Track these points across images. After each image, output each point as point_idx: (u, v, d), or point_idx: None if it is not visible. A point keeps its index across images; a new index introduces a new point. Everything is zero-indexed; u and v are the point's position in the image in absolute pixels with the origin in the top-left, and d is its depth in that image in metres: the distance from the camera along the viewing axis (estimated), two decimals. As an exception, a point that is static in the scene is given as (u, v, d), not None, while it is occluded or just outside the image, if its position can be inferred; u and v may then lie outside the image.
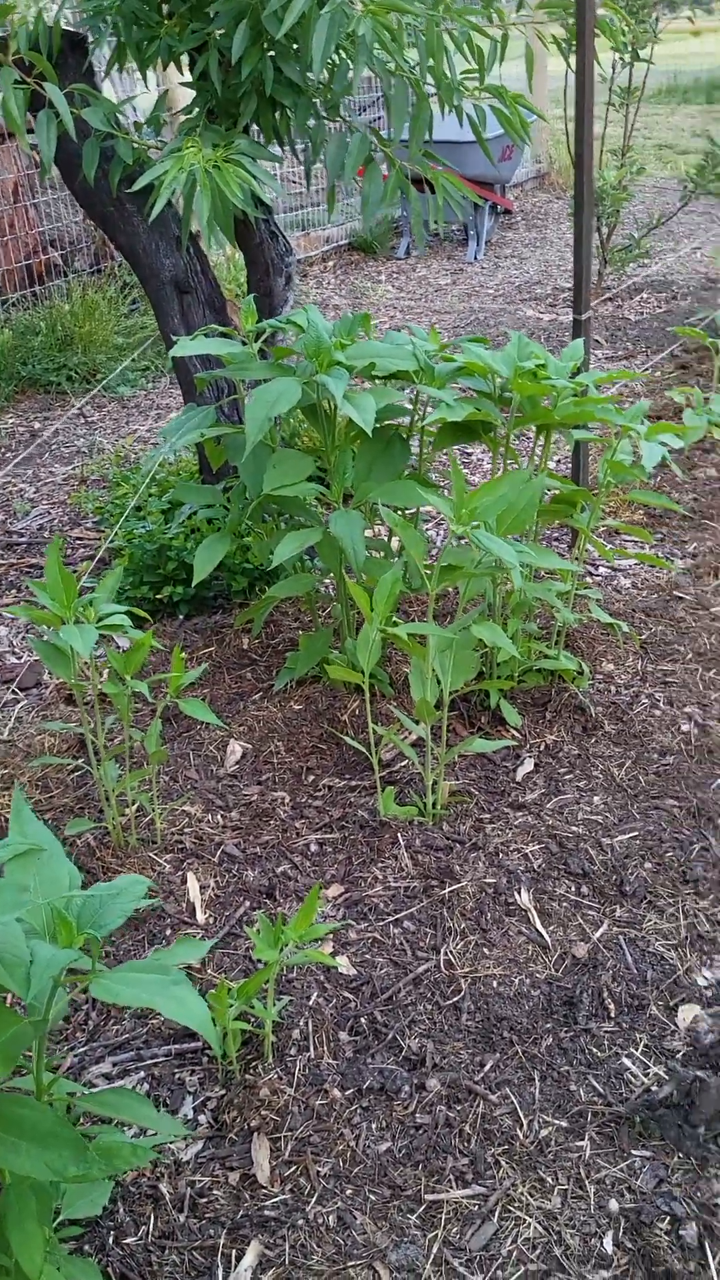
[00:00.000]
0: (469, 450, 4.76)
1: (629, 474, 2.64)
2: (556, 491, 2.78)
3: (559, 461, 4.52)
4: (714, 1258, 1.61)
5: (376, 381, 2.71)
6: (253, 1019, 1.98)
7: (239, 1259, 1.63)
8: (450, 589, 3.40)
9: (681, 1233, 1.65)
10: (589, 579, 3.55)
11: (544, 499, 2.85)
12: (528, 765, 2.70)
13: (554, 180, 10.52)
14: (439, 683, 2.42)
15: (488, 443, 2.73)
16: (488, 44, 3.05)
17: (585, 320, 3.38)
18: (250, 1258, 1.63)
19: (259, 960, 2.06)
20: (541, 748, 2.76)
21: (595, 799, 2.58)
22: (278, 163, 3.15)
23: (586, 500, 2.73)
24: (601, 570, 3.63)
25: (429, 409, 2.72)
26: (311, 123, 3.12)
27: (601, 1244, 1.65)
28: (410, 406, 2.79)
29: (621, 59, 5.61)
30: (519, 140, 2.92)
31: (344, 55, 2.98)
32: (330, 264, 8.10)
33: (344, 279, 7.70)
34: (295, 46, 3.00)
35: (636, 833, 2.46)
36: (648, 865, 2.38)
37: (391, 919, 2.24)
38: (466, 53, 2.97)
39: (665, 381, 5.18)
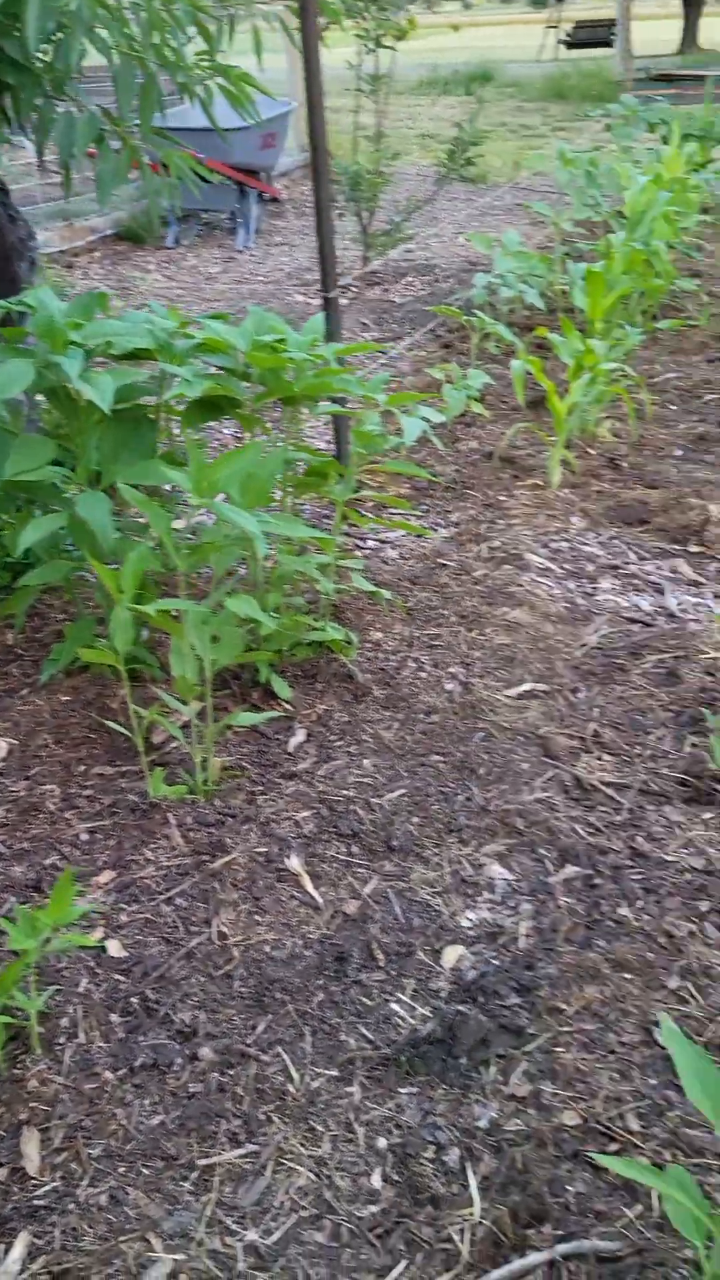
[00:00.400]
0: (241, 435, 4.77)
1: (377, 444, 2.70)
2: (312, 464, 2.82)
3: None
4: (474, 1176, 1.69)
5: (121, 363, 2.68)
6: (18, 1012, 1.93)
7: (7, 1251, 1.60)
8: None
9: (444, 1159, 1.72)
10: (358, 551, 3.62)
11: (298, 472, 2.89)
12: (299, 736, 2.73)
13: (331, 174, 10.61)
14: (201, 660, 2.42)
15: (238, 419, 2.74)
16: (215, 25, 3.06)
17: (334, 298, 3.43)
18: (19, 1249, 1.60)
19: (20, 952, 2.01)
20: (313, 717, 2.80)
21: (365, 762, 2.64)
22: (5, 144, 3.06)
23: (339, 472, 2.79)
24: (370, 543, 3.71)
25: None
26: (40, 102, 3.04)
27: (370, 1181, 1.70)
28: (156, 385, 2.77)
29: (366, 46, 5.72)
30: (246, 116, 2.94)
31: (67, 32, 2.92)
32: (97, 254, 7.93)
33: (112, 270, 7.56)
34: (17, 25, 2.92)
35: (404, 790, 2.54)
36: (415, 820, 2.45)
37: (163, 898, 2.23)
38: (199, 33, 2.97)
39: (430, 360, 5.33)
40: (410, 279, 7.10)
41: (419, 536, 3.70)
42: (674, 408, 4.82)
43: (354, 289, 6.83)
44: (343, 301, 6.56)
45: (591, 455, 4.31)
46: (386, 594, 3.08)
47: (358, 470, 2.90)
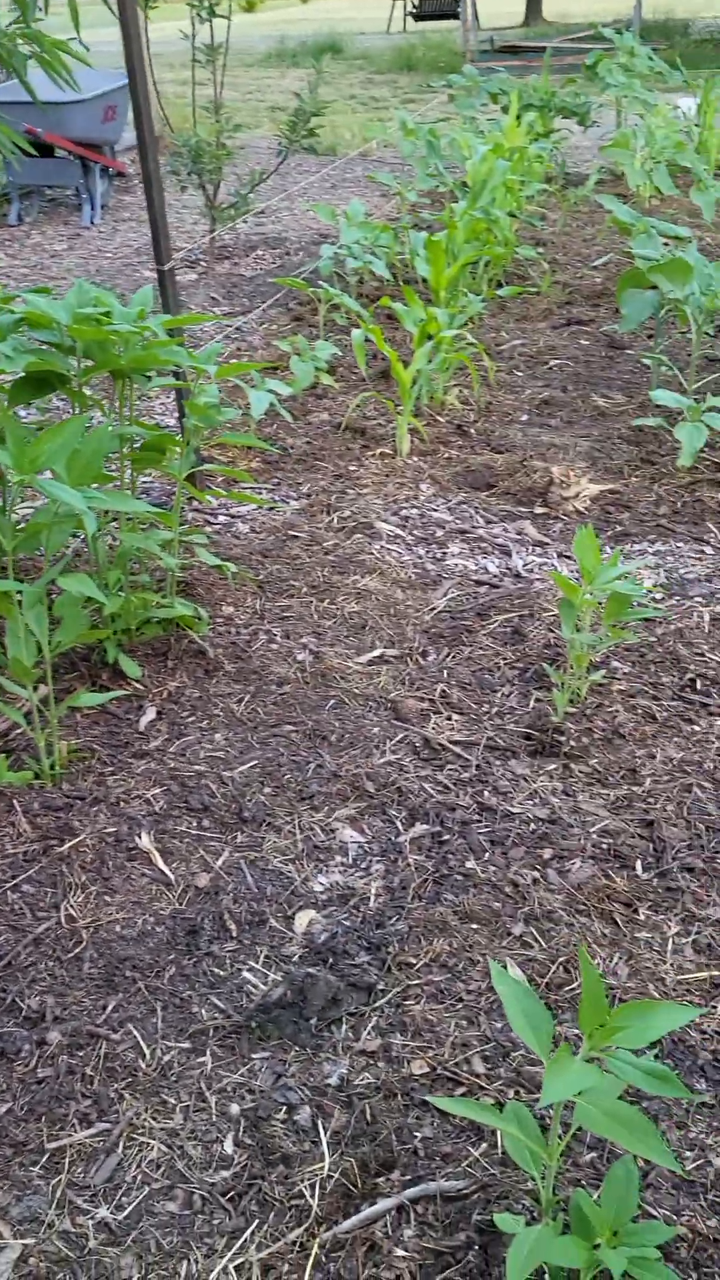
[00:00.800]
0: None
1: (211, 416, 2.68)
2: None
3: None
4: (325, 1132, 1.71)
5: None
6: None
7: None
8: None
9: (296, 1118, 1.74)
10: (208, 527, 3.60)
11: (135, 446, 2.85)
12: (150, 714, 2.71)
13: (169, 144, 10.43)
14: (39, 643, 2.37)
15: (68, 394, 2.68)
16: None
17: (168, 271, 3.39)
18: None
19: None
20: (164, 695, 2.78)
21: (217, 736, 2.63)
22: None
23: (177, 446, 2.76)
24: (221, 518, 3.69)
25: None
26: None
27: (223, 1147, 1.70)
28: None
29: (199, 16, 5.62)
30: (65, 86, 2.86)
31: None
32: (-65, 234, 7.64)
33: (-49, 249, 7.29)
34: None
35: (256, 761, 2.54)
36: (267, 790, 2.46)
37: (9, 885, 2.19)
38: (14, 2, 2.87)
39: (280, 333, 5.31)
40: (260, 252, 7.04)
41: (270, 510, 3.69)
42: (520, 374, 4.91)
43: (203, 263, 6.74)
44: (191, 276, 6.48)
45: (440, 423, 4.36)
46: (233, 567, 3.07)
47: (200, 444, 2.88)
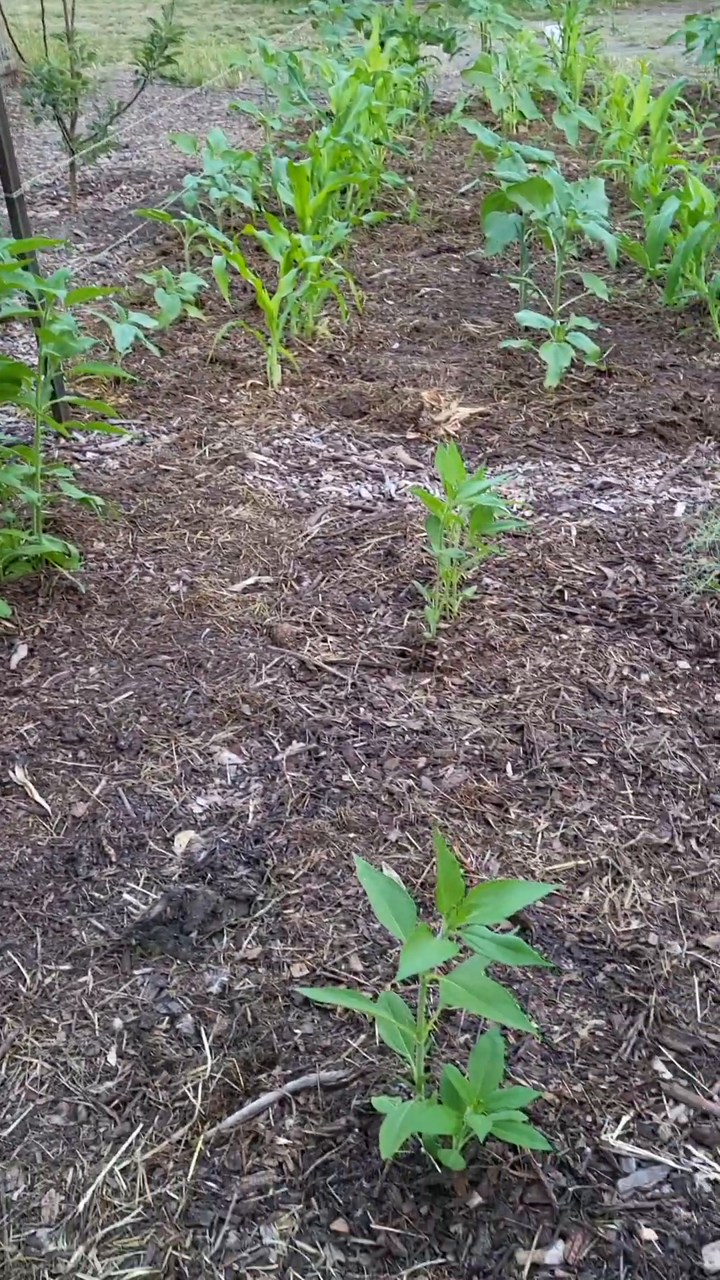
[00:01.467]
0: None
1: (65, 344, 2.62)
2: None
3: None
4: (207, 1037, 1.75)
5: None
6: None
7: None
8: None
9: (179, 1027, 1.77)
10: (76, 464, 3.53)
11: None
12: (21, 652, 2.67)
13: (23, 75, 10.00)
14: None
15: None
16: None
17: (18, 198, 3.28)
18: None
19: None
20: (35, 632, 2.74)
21: (91, 670, 2.61)
22: None
23: (29, 376, 2.69)
24: (90, 454, 3.62)
25: None
26: None
27: (106, 1060, 1.73)
28: None
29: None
30: None
31: None
32: None
33: None
34: None
35: (132, 692, 2.53)
36: (143, 719, 2.46)
37: None
38: None
39: (147, 267, 5.19)
40: (124, 187, 6.85)
41: (140, 444, 3.64)
42: (391, 302, 4.90)
43: (65, 200, 6.53)
44: (53, 213, 6.28)
45: (312, 353, 4.33)
46: (100, 501, 3.03)
47: (60, 375, 2.81)
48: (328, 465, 3.56)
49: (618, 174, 6.42)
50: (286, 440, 3.69)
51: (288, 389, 4.03)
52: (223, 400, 3.96)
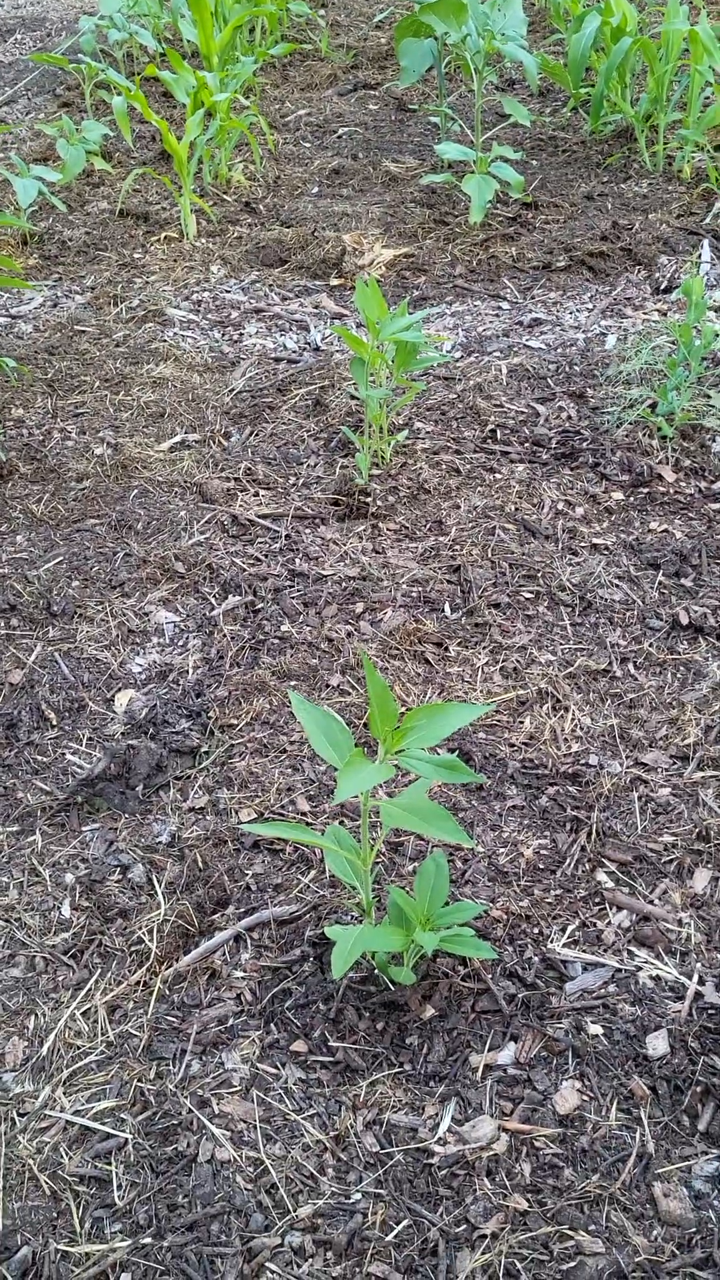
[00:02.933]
0: None
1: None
2: None
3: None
4: (160, 884, 1.76)
5: None
6: None
7: None
8: None
9: (130, 877, 1.79)
10: (-13, 331, 3.38)
11: None
12: (-56, 525, 2.59)
13: None
14: None
15: None
16: None
17: None
18: None
19: None
20: (-43, 505, 2.66)
21: (18, 539, 2.54)
22: None
23: None
24: (0, 320, 3.47)
25: None
26: None
27: (60, 912, 1.74)
28: None
29: None
30: None
31: None
32: None
33: None
34: None
35: (62, 557, 2.48)
36: (75, 584, 2.41)
37: None
38: None
39: (48, 120, 4.89)
40: (20, 36, 6.41)
41: (54, 306, 3.48)
42: (308, 145, 4.68)
43: (-46, 51, 6.10)
44: (-59, 65, 5.87)
45: (228, 202, 4.14)
46: (11, 363, 2.91)
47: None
48: (250, 317, 3.43)
49: (539, -4, 6.10)
50: (206, 294, 3.55)
51: (204, 240, 3.86)
52: (137, 255, 3.78)
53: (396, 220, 3.94)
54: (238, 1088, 1.49)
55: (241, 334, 3.35)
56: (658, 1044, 1.49)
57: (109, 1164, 1.42)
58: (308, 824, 1.85)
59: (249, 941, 1.67)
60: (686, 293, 2.65)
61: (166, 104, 4.99)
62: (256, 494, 2.67)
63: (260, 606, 2.32)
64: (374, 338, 2.50)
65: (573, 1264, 1.30)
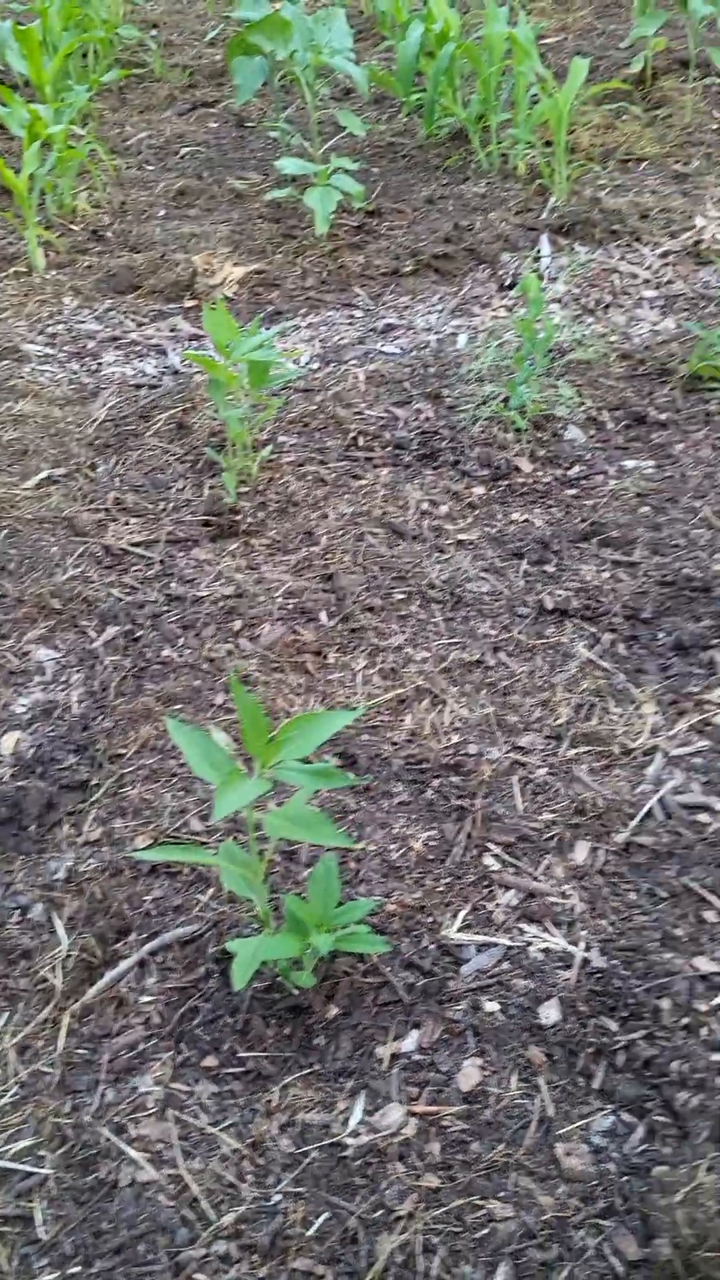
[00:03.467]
0: None
1: None
2: None
3: None
4: (60, 920, 1.78)
5: None
6: None
7: None
8: None
9: (30, 916, 1.80)
10: None
11: None
12: None
13: None
14: None
15: None
16: None
17: None
18: None
19: None
20: None
21: None
22: None
23: None
24: None
25: None
26: None
27: (-38, 962, 1.75)
28: None
29: None
30: None
31: None
32: None
33: None
34: None
35: (-65, 606, 2.47)
36: (-49, 630, 2.40)
37: None
38: None
39: None
40: None
41: None
42: (151, 167, 4.69)
43: None
44: None
45: (75, 231, 4.14)
46: None
47: None
48: (107, 346, 3.44)
49: (368, 4, 6.20)
50: (61, 326, 3.55)
51: (54, 272, 3.86)
52: (-14, 293, 3.76)
53: (245, 237, 3.99)
54: (153, 1110, 1.53)
55: (100, 364, 3.36)
56: (550, 1013, 1.57)
57: (31, 1201, 1.44)
58: (203, 843, 1.89)
59: (154, 966, 1.70)
60: (525, 290, 2.75)
61: (2, 136, 4.95)
62: (127, 523, 2.69)
63: (139, 634, 2.34)
64: (227, 359, 2.55)
65: (485, 1231, 1.36)
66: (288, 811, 1.49)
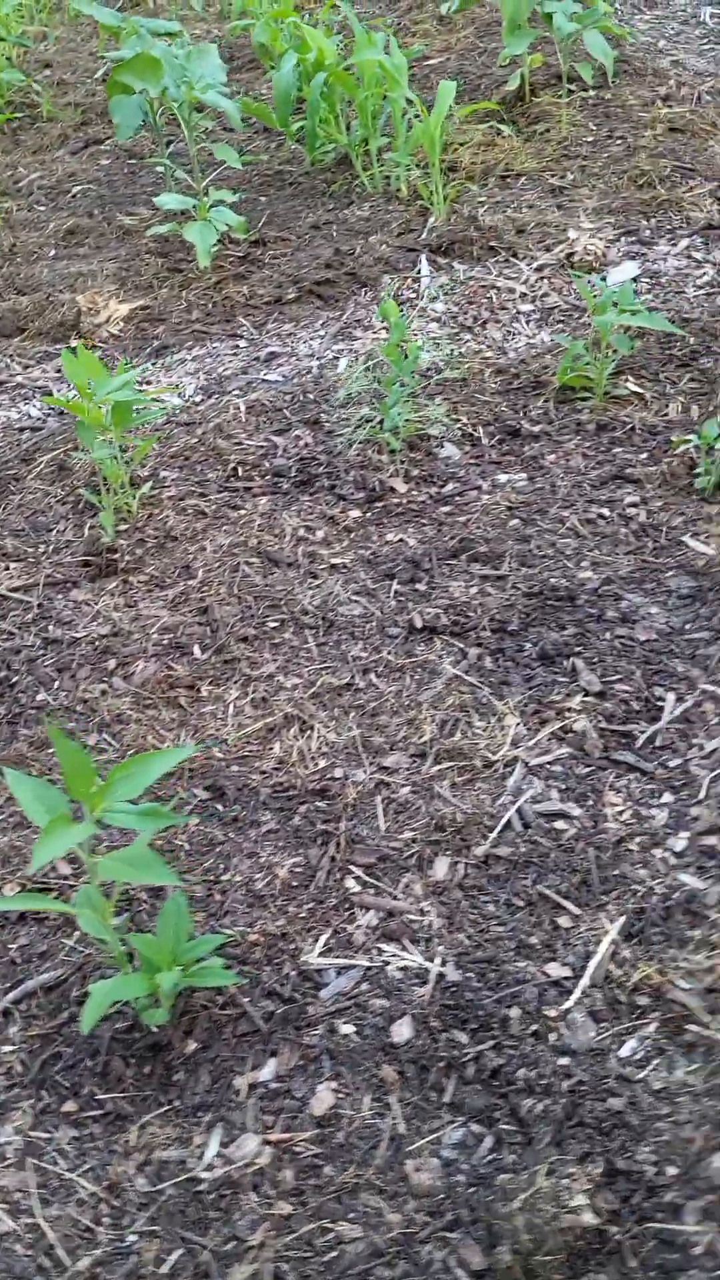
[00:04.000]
0: None
1: None
2: None
3: None
4: None
5: None
6: None
7: None
8: None
9: None
10: None
11: None
12: None
13: None
14: None
15: None
16: None
17: None
18: None
19: None
20: None
21: None
22: None
23: None
24: None
25: None
26: None
27: None
28: None
29: None
30: None
31: None
32: None
33: None
34: None
35: None
36: None
37: None
38: None
39: None
40: None
41: None
42: (42, 208, 4.71)
43: None
44: None
45: (-37, 278, 4.14)
46: None
47: None
48: (-8, 391, 3.45)
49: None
50: (-54, 374, 3.56)
51: (-59, 320, 3.86)
52: None
53: (132, 273, 4.02)
54: (12, 1160, 1.53)
55: (-15, 409, 3.37)
56: (403, 1030, 1.60)
57: None
58: (72, 888, 1.90)
59: (17, 1015, 1.71)
60: (384, 315, 2.80)
61: None
62: (7, 568, 2.69)
63: (15, 680, 2.35)
64: (89, 401, 2.57)
65: (334, 1254, 1.38)
66: (123, 854, 1.50)
